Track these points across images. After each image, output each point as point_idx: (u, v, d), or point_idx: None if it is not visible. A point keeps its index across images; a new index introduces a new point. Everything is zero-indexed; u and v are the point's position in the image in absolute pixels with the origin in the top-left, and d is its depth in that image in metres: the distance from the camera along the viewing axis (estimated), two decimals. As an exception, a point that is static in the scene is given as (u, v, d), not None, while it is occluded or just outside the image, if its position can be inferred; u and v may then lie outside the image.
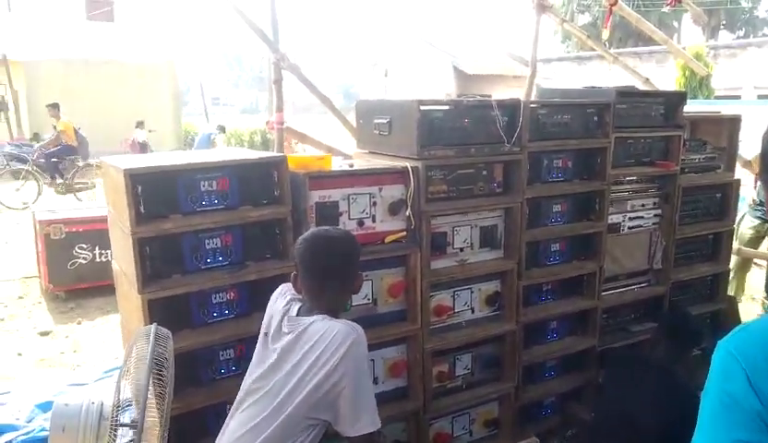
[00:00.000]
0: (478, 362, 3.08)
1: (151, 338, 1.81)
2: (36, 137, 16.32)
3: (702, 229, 3.81)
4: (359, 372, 1.79)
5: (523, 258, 3.00)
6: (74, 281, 5.90)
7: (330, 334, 1.78)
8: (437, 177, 2.73)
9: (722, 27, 25.94)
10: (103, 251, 5.91)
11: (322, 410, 1.78)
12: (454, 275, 2.86)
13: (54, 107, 11.57)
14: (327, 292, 1.92)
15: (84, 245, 5.87)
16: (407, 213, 2.64)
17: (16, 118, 17.45)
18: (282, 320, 1.91)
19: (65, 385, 4.07)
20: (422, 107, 2.58)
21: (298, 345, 1.82)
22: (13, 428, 3.47)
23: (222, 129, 18.19)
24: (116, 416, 1.85)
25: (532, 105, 2.82)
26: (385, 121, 2.76)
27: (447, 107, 2.69)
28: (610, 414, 2.92)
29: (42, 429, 3.46)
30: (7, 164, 12.57)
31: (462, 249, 2.90)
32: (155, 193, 2.20)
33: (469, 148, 2.73)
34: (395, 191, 2.64)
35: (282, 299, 1.99)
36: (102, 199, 7.21)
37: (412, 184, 2.59)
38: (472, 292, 2.98)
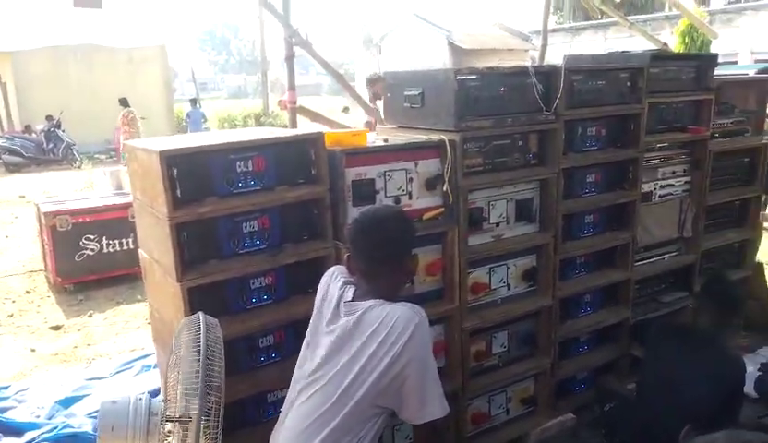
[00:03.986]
0: (514, 339, 3.02)
1: (202, 326, 1.72)
2: (28, 129, 16.07)
3: (731, 195, 3.75)
4: (424, 357, 1.71)
5: (560, 232, 2.93)
6: (82, 273, 5.79)
7: (392, 319, 1.69)
8: (472, 150, 2.64)
9: (714, -7, 25.73)
10: (111, 241, 5.80)
11: (388, 398, 1.70)
12: (491, 251, 2.78)
13: None
14: (381, 275, 1.83)
15: (91, 236, 5.74)
16: (444, 189, 2.55)
17: (5, 110, 17.15)
18: (338, 305, 1.82)
19: (83, 380, 3.99)
20: (458, 76, 2.47)
21: (358, 332, 1.73)
22: (35, 427, 3.39)
23: (194, 103, 18.00)
24: (166, 411, 1.77)
25: (568, 71, 2.71)
26: (417, 93, 2.65)
27: (482, 76, 2.58)
28: (655, 386, 2.86)
29: (66, 426, 3.38)
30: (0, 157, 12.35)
31: (497, 224, 2.82)
32: (190, 175, 2.09)
33: (506, 118, 2.63)
34: (431, 166, 2.55)
35: (334, 283, 1.89)
36: (103, 188, 7.10)
37: (449, 157, 2.49)
38: (508, 268, 2.90)
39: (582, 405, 3.28)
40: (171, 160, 2.01)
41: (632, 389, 3.16)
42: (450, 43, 18.58)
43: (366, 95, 4.36)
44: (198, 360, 1.72)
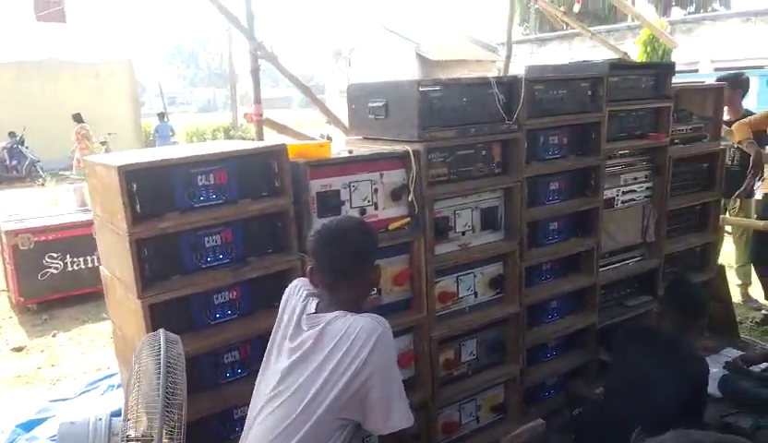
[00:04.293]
0: (483, 346, 3.03)
1: (162, 343, 1.69)
2: (-8, 144, 15.69)
3: (692, 200, 3.84)
4: (388, 368, 1.71)
5: (525, 239, 2.96)
6: (46, 292, 5.66)
7: (354, 331, 1.69)
8: (437, 160, 2.65)
9: (673, 3, 26.44)
10: (76, 259, 5.68)
11: (353, 410, 1.68)
12: (458, 260, 2.80)
13: None
14: (344, 286, 1.82)
15: (54, 255, 5.62)
16: (410, 199, 2.56)
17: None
18: (300, 318, 1.80)
19: (46, 402, 3.89)
20: (421, 88, 2.49)
21: (320, 344, 1.71)
22: (-6, 451, 3.29)
23: (161, 117, 17.95)
24: (127, 431, 1.73)
25: (529, 81, 2.75)
26: (381, 104, 2.66)
27: (445, 87, 2.61)
28: (622, 389, 2.90)
29: (28, 450, 3.29)
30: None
31: (463, 233, 2.83)
32: (150, 190, 2.06)
33: (469, 128, 2.66)
34: (396, 176, 2.55)
35: (297, 295, 1.88)
36: (67, 205, 6.95)
37: (414, 168, 2.50)
38: (474, 276, 2.92)
39: (551, 410, 3.30)
40: (130, 174, 1.98)
41: (601, 393, 3.20)
42: (419, 55, 18.73)
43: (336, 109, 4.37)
44: (159, 378, 1.68)
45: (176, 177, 2.11)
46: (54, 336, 5.16)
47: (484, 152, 2.80)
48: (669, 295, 3.09)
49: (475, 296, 2.95)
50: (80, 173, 12.82)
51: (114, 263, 2.33)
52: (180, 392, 1.76)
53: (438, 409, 2.88)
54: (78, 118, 13.60)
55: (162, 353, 1.68)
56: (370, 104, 2.73)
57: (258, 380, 1.90)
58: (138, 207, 2.03)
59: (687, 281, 3.33)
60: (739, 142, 4.38)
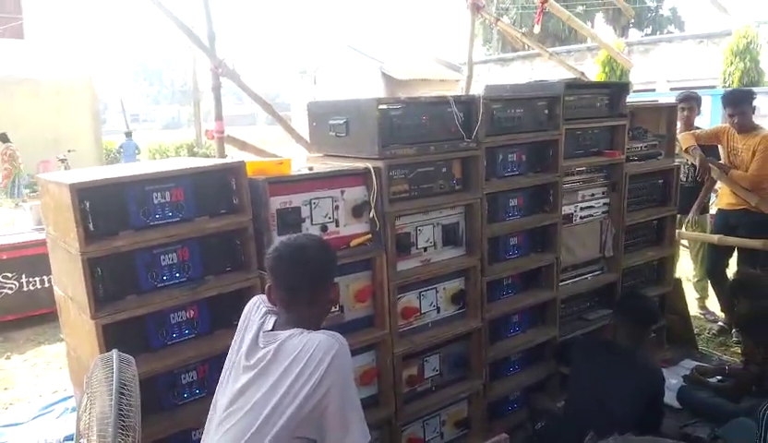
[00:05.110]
0: (446, 362, 3.04)
1: (115, 365, 1.65)
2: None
3: (648, 215, 3.93)
4: (344, 385, 1.69)
5: (485, 254, 2.99)
6: (0, 313, 5.46)
7: (310, 348, 1.67)
8: (398, 177, 2.67)
9: (631, 25, 27.31)
10: (31, 279, 5.51)
11: (309, 428, 1.66)
12: (420, 275, 2.81)
13: None
14: (301, 304, 1.81)
15: (9, 274, 5.44)
16: (371, 215, 2.57)
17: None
18: (257, 335, 1.78)
19: (-1, 426, 3.75)
20: (381, 106, 2.51)
21: (276, 362, 1.69)
22: (-57, 480, 3.15)
23: (128, 135, 17.86)
24: (78, 455, 1.68)
25: (487, 101, 2.80)
26: (342, 122, 2.67)
27: (405, 105, 2.63)
28: (581, 402, 2.94)
29: (-23, 478, 3.16)
30: None
31: (425, 249, 2.85)
32: (104, 208, 2.03)
33: (428, 145, 2.69)
34: (357, 193, 2.56)
35: (256, 312, 1.86)
36: (23, 224, 6.76)
37: (375, 184, 2.52)
38: (437, 291, 2.94)
39: (515, 425, 3.32)
40: (82, 192, 1.94)
41: (562, 407, 3.23)
42: (384, 74, 18.88)
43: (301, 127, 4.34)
44: (112, 400, 1.64)
45: (131, 195, 2.08)
46: (7, 358, 4.98)
47: (444, 169, 2.83)
48: (621, 308, 3.17)
49: (438, 312, 2.96)
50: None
51: (68, 283, 2.28)
52: (134, 415, 1.72)
53: (402, 426, 2.87)
54: (3, 138, 13.45)
55: (114, 374, 1.64)
56: (331, 122, 2.74)
57: (214, 398, 1.87)
58: (90, 225, 1.99)
59: (637, 293, 3.41)
60: (685, 150, 4.52)
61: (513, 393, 3.40)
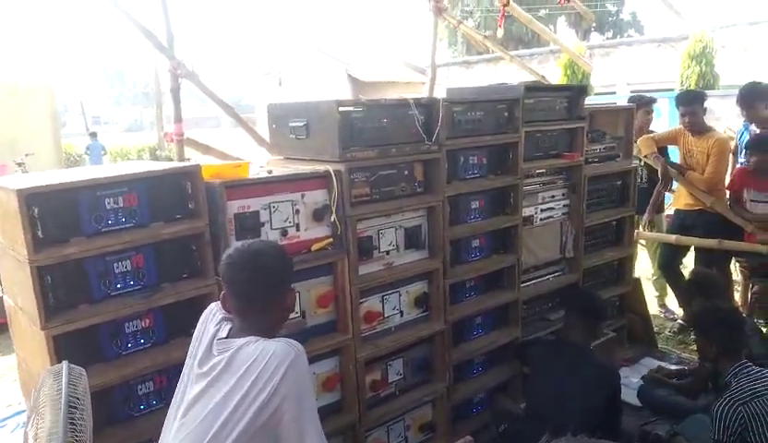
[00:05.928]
0: (410, 366, 3.03)
1: (63, 377, 1.60)
2: None
3: (607, 216, 4.00)
4: (301, 394, 1.65)
5: (448, 257, 2.99)
6: (-50, 324, 5.26)
7: (265, 357, 1.63)
8: (359, 180, 2.65)
9: (593, 29, 27.80)
10: (-16, 288, 5.32)
11: (265, 438, 1.62)
12: (382, 279, 2.80)
13: None
14: (256, 311, 1.77)
15: (-40, 284, 5.24)
16: (332, 219, 2.54)
17: None
18: (211, 342, 1.74)
19: (-53, 442, 3.61)
20: (341, 108, 2.49)
21: (230, 371, 1.65)
22: None
23: (93, 135, 17.65)
24: (25, 472, 1.61)
25: (447, 103, 2.81)
26: (302, 124, 2.64)
27: (365, 107, 2.62)
28: (541, 402, 2.97)
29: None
30: None
31: (388, 252, 2.84)
32: (54, 215, 1.96)
33: (390, 148, 2.68)
34: (318, 197, 2.53)
35: (212, 320, 1.82)
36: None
37: (335, 187, 2.49)
38: (400, 295, 2.93)
39: (479, 427, 3.33)
40: (31, 198, 1.87)
41: (524, 408, 3.25)
42: (350, 76, 18.84)
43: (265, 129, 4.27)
44: (62, 414, 1.58)
45: (82, 200, 2.01)
46: (-42, 371, 4.80)
47: (406, 172, 2.83)
48: (568, 307, 3.22)
49: (401, 315, 2.95)
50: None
51: (17, 292, 2.20)
52: (86, 428, 1.66)
53: (366, 431, 2.85)
54: None
55: (63, 386, 1.59)
56: (291, 124, 2.71)
57: (170, 407, 1.83)
58: (39, 232, 1.92)
59: (582, 290, 3.46)
60: (645, 156, 4.61)
61: (477, 395, 3.41)
